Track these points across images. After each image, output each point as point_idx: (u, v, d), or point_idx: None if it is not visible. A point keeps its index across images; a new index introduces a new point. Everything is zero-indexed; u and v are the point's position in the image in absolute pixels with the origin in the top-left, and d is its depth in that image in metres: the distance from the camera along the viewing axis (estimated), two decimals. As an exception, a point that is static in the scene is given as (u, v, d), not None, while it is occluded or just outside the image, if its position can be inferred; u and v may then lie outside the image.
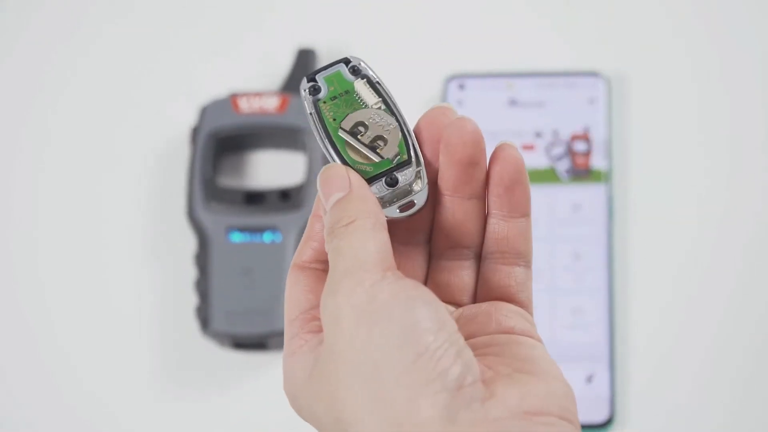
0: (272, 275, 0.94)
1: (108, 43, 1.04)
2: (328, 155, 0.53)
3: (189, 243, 0.97)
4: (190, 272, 0.96)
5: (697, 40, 1.00)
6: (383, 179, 0.53)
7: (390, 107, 0.54)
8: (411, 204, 0.53)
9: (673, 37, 1.01)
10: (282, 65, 1.01)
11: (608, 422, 0.91)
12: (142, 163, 1.00)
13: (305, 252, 0.54)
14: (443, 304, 0.51)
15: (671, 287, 0.95)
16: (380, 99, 0.54)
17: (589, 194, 0.96)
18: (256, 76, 1.02)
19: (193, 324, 0.95)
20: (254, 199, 0.96)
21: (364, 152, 0.53)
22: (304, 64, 1.00)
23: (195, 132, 0.98)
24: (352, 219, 0.50)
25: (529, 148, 0.97)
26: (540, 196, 0.96)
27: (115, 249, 0.99)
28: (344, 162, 0.53)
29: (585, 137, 0.97)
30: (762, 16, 1.00)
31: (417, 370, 0.46)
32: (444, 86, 0.99)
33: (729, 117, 0.98)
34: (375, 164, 0.53)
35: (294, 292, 0.53)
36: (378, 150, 0.53)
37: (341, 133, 0.53)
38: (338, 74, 0.55)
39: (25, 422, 0.96)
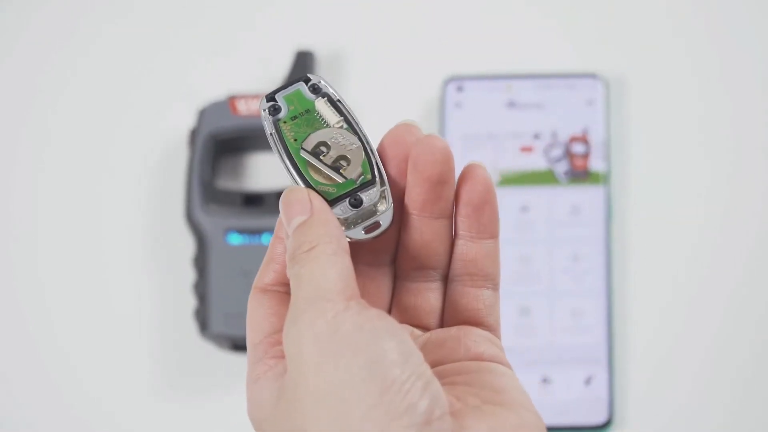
0: (271, 277, 0.94)
1: (106, 44, 1.04)
2: (290, 177, 0.52)
3: (187, 245, 0.97)
4: (189, 274, 0.96)
5: (697, 42, 1.00)
6: (347, 200, 0.52)
7: (352, 126, 0.53)
8: (376, 225, 0.52)
9: (672, 39, 1.01)
10: (280, 67, 1.01)
11: (607, 424, 0.91)
12: (140, 165, 1.00)
13: (267, 275, 0.53)
14: (408, 332, 0.50)
15: (670, 289, 0.95)
16: (342, 117, 0.53)
17: (588, 196, 0.96)
18: (254, 78, 1.02)
19: (191, 326, 0.95)
20: (253, 201, 0.96)
21: (327, 173, 0.52)
22: (303, 66, 1.00)
23: (193, 134, 0.98)
24: (313, 245, 0.49)
25: (527, 149, 0.97)
26: (538, 198, 0.96)
27: (113, 251, 0.99)
28: (306, 183, 0.52)
29: (584, 139, 0.97)
30: (762, 17, 1.00)
31: (384, 404, 0.45)
32: (442, 88, 0.99)
33: (728, 118, 0.98)
34: (338, 185, 0.52)
35: (256, 315, 0.52)
36: (341, 170, 0.52)
37: (303, 154, 0.52)
38: (298, 93, 0.54)
39: (24, 424, 0.96)
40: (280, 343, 0.51)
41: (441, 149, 0.52)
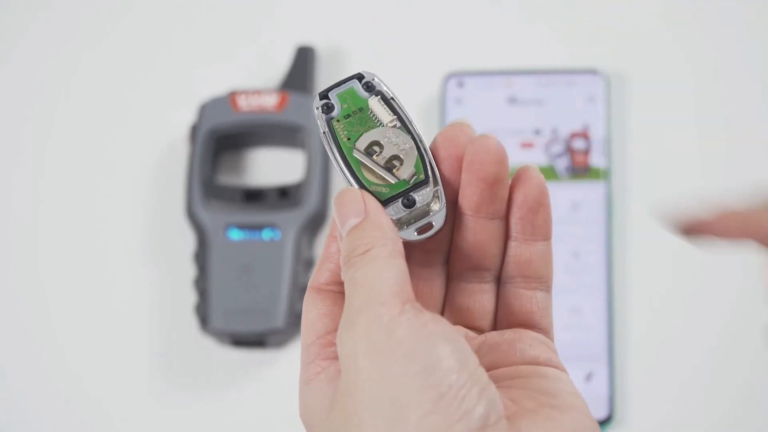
0: (271, 273, 0.94)
1: (107, 40, 1.04)
2: (343, 177, 0.52)
3: (188, 241, 0.97)
4: (189, 270, 0.96)
5: (697, 38, 1.00)
6: (400, 200, 0.51)
7: (405, 125, 0.53)
8: (429, 226, 0.52)
9: (672, 35, 1.01)
10: (281, 63, 1.01)
11: (607, 420, 0.92)
12: (141, 161, 1.00)
13: (322, 274, 0.53)
14: (463, 335, 0.50)
15: (670, 286, 0.95)
16: (395, 116, 0.53)
17: (588, 192, 0.96)
18: (255, 74, 1.02)
19: (192, 322, 0.95)
20: (253, 196, 0.96)
21: (380, 173, 0.52)
22: (303, 61, 1.00)
23: (194, 130, 0.98)
24: (368, 247, 0.49)
25: (528, 146, 0.97)
26: (539, 194, 0.96)
27: (114, 247, 0.99)
28: (360, 183, 0.52)
29: (584, 135, 0.97)
30: (761, 15, 1.00)
31: (440, 410, 0.45)
32: (443, 84, 0.99)
33: (728, 114, 0.98)
34: (391, 185, 0.51)
35: (310, 315, 0.52)
36: (394, 170, 0.52)
37: (356, 154, 0.52)
38: (351, 91, 0.54)
39: (24, 417, 0.96)
40: (332, 344, 0.51)
41: (496, 149, 0.51)
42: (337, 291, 0.52)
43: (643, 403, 0.93)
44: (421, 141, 0.53)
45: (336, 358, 0.50)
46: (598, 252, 0.94)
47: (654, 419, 0.93)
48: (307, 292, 0.53)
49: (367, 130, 0.52)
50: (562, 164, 0.96)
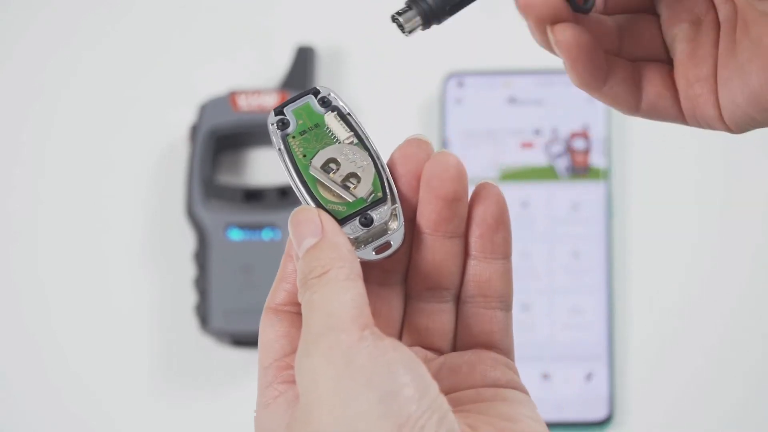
0: (271, 273, 0.93)
1: (107, 40, 1.04)
2: (299, 195, 0.51)
3: (188, 241, 0.97)
4: (189, 270, 0.96)
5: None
6: (357, 219, 0.50)
7: (362, 141, 0.51)
8: (387, 245, 0.50)
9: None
10: (281, 63, 1.01)
11: (607, 420, 0.92)
12: (141, 161, 1.00)
13: (278, 294, 0.51)
14: (422, 357, 0.49)
15: (670, 286, 0.95)
16: (352, 133, 0.51)
17: (588, 192, 0.96)
18: (255, 74, 1.02)
19: (192, 322, 0.95)
20: (253, 196, 0.96)
21: (337, 191, 0.50)
22: (303, 61, 1.00)
23: (194, 130, 0.98)
24: (325, 269, 0.48)
25: (528, 145, 0.97)
26: (539, 194, 0.96)
27: (114, 247, 0.99)
28: (316, 202, 0.50)
29: (584, 135, 0.97)
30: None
31: None
32: (443, 84, 0.99)
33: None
34: (348, 203, 0.50)
35: (268, 337, 0.51)
36: (351, 188, 0.50)
37: (312, 171, 0.51)
38: (307, 106, 0.52)
39: (24, 417, 0.96)
40: (290, 366, 0.50)
41: (455, 166, 0.50)
42: (294, 312, 0.51)
43: (643, 403, 0.93)
44: (378, 158, 0.51)
45: (294, 381, 0.49)
46: (598, 252, 0.94)
47: (654, 419, 0.93)
48: (263, 313, 0.52)
49: (323, 147, 0.51)
50: (562, 164, 0.96)
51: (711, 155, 0.98)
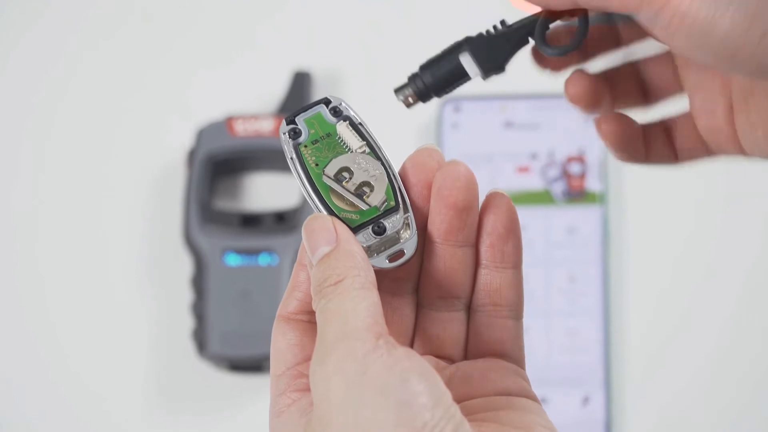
0: (268, 297, 0.94)
1: (104, 65, 1.04)
2: (311, 203, 0.51)
3: (185, 266, 0.97)
4: (187, 295, 0.96)
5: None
6: (370, 227, 0.50)
7: (375, 150, 0.52)
8: (401, 253, 0.51)
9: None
10: (277, 88, 1.01)
11: (604, 444, 0.92)
12: (138, 186, 1.00)
13: (290, 303, 0.52)
14: (434, 365, 0.49)
15: (667, 309, 0.95)
16: (364, 142, 0.52)
17: (585, 216, 0.96)
18: (251, 99, 1.02)
19: (189, 347, 0.95)
20: (250, 221, 0.96)
21: (350, 199, 0.51)
22: (300, 86, 1.00)
23: (191, 155, 0.98)
24: (340, 278, 0.48)
25: (524, 170, 0.97)
26: (535, 218, 0.96)
27: (112, 272, 0.99)
28: (329, 210, 0.50)
29: (580, 159, 0.97)
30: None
31: None
32: (440, 108, 0.99)
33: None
34: (361, 212, 0.50)
35: (280, 345, 0.51)
36: (364, 197, 0.51)
37: (325, 179, 0.51)
38: (319, 116, 0.53)
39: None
40: (303, 375, 0.50)
41: (465, 175, 0.51)
42: (306, 320, 0.51)
43: (639, 428, 0.93)
44: (390, 167, 0.52)
45: (307, 389, 0.50)
46: (594, 276, 0.94)
47: (651, 443, 0.93)
48: (275, 321, 0.52)
49: (335, 156, 0.52)
50: (558, 188, 0.97)
51: (707, 178, 0.98)
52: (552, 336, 0.94)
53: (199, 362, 0.95)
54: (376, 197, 0.51)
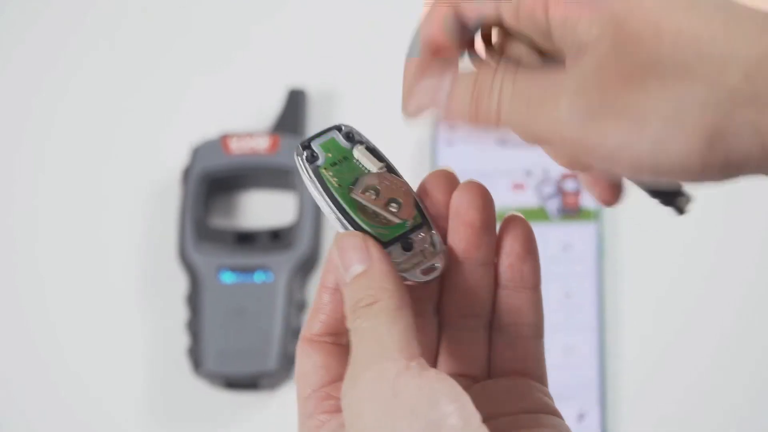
0: (264, 315, 0.94)
1: (99, 83, 1.04)
2: (338, 222, 0.51)
3: (180, 283, 0.97)
4: (182, 312, 0.96)
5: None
6: (399, 243, 0.51)
7: (394, 171, 0.53)
8: (433, 267, 0.51)
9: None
10: (272, 106, 1.01)
11: (600, 460, 0.92)
12: (133, 204, 1.01)
13: (314, 325, 0.52)
14: (461, 386, 0.50)
15: (662, 325, 0.95)
16: (383, 163, 0.53)
17: (580, 233, 0.96)
18: (246, 117, 1.02)
19: (185, 364, 0.95)
20: (245, 239, 0.96)
21: (382, 214, 0.51)
22: (295, 104, 1.00)
23: (186, 173, 0.98)
24: (375, 299, 0.48)
25: (519, 187, 0.97)
26: (530, 235, 0.96)
27: (107, 290, 0.99)
28: (358, 227, 0.51)
29: (575, 176, 0.97)
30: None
31: None
32: (434, 126, 0.99)
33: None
34: (391, 227, 0.51)
35: (305, 367, 0.51)
36: (394, 212, 0.51)
37: (354, 195, 0.51)
38: (333, 141, 0.53)
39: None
40: (331, 397, 0.51)
41: (483, 195, 0.52)
42: (331, 342, 0.52)
43: (636, 443, 0.93)
44: (410, 186, 0.52)
45: (336, 411, 0.50)
46: (589, 292, 0.95)
47: (647, 459, 0.93)
48: (299, 343, 0.52)
49: (360, 175, 0.52)
50: (553, 205, 0.97)
51: (703, 195, 0.98)
52: (547, 351, 0.94)
53: (195, 380, 0.95)
54: (405, 212, 0.51)
